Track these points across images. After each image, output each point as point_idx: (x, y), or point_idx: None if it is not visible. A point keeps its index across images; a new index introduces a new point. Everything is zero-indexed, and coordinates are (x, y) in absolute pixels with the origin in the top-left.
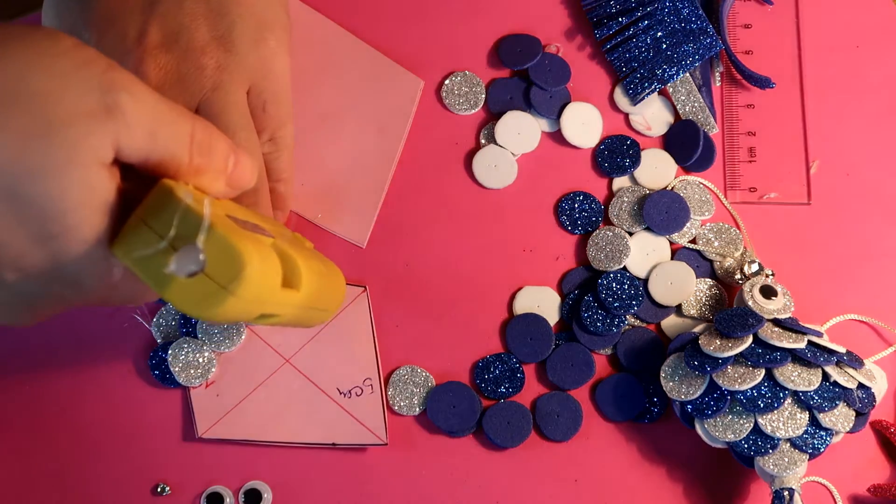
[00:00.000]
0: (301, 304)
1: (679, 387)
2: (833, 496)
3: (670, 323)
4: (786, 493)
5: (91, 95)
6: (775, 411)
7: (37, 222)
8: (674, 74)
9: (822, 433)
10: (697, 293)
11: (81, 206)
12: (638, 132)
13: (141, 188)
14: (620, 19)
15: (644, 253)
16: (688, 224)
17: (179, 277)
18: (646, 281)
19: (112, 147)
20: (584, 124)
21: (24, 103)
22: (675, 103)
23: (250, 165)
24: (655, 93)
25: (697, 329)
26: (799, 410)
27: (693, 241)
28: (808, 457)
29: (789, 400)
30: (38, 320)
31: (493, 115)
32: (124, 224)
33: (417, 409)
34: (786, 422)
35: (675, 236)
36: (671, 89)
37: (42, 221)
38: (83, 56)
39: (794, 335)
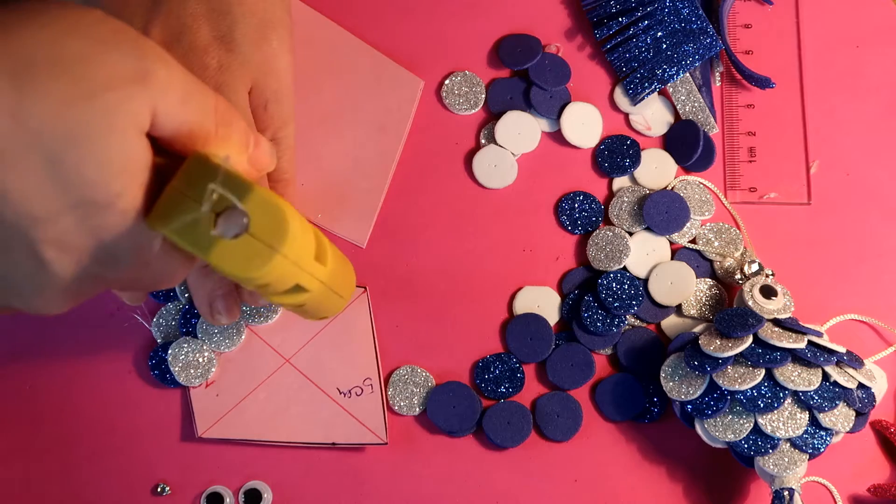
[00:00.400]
0: (327, 280)
1: (679, 387)
2: (833, 496)
3: (670, 323)
4: (786, 493)
5: (128, 61)
6: (775, 411)
7: (79, 190)
8: (674, 74)
9: (822, 433)
10: (697, 293)
11: (123, 174)
12: (638, 132)
13: (168, 165)
14: (620, 19)
15: (644, 253)
16: (688, 224)
17: (225, 240)
18: (646, 281)
19: (150, 113)
20: (584, 124)
21: (64, 67)
22: (675, 103)
23: (268, 146)
24: (655, 93)
25: (697, 329)
26: (799, 410)
27: (693, 241)
28: (808, 457)
29: (789, 400)
30: (71, 305)
31: (493, 115)
32: (158, 197)
33: (417, 409)
34: (786, 422)
35: (675, 236)
36: (671, 89)
37: (84, 189)
38: (115, 25)
39: (794, 335)
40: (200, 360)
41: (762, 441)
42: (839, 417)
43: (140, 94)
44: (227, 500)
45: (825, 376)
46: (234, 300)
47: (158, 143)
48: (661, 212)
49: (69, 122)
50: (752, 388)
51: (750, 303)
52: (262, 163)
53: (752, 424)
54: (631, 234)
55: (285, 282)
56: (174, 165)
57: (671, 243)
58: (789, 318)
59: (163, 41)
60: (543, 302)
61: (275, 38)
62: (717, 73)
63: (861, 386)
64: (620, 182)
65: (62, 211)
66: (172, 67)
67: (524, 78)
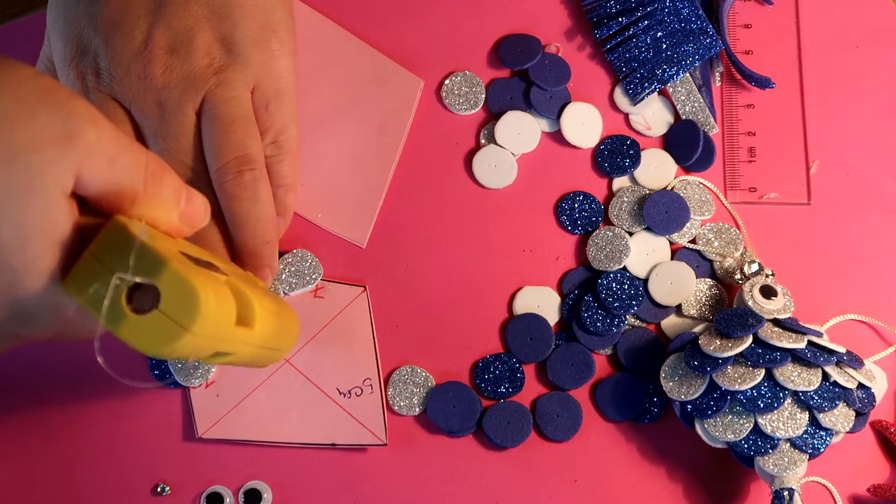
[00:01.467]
0: (255, 342)
1: (679, 387)
2: (833, 496)
3: (670, 323)
4: (786, 493)
5: (55, 122)
6: (775, 411)
7: None
8: (674, 74)
9: (822, 433)
10: (697, 293)
11: (40, 237)
12: (638, 132)
13: (93, 227)
14: (620, 19)
15: (644, 253)
16: (688, 224)
17: (134, 315)
18: (646, 281)
19: (73, 175)
20: (584, 124)
21: None
22: (675, 103)
23: (203, 203)
24: (655, 93)
25: (697, 329)
26: (799, 410)
27: (693, 241)
28: (808, 457)
29: (789, 400)
30: None
31: (493, 115)
32: (76, 261)
33: (417, 409)
34: (786, 422)
35: (675, 236)
36: (671, 89)
37: (0, 251)
38: (45, 84)
39: (794, 335)
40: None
41: (762, 441)
42: (839, 417)
43: (64, 157)
44: (227, 500)
45: (825, 376)
46: None
47: (86, 203)
48: (661, 212)
49: None
50: (752, 388)
51: (750, 303)
52: (195, 219)
53: (752, 424)
54: (631, 234)
55: (202, 353)
56: (99, 226)
57: (671, 243)
58: (789, 318)
59: (166, 44)
60: (543, 302)
61: (275, 41)
62: (717, 73)
63: (861, 386)
64: (620, 182)
65: None
66: (102, 128)
67: (524, 78)
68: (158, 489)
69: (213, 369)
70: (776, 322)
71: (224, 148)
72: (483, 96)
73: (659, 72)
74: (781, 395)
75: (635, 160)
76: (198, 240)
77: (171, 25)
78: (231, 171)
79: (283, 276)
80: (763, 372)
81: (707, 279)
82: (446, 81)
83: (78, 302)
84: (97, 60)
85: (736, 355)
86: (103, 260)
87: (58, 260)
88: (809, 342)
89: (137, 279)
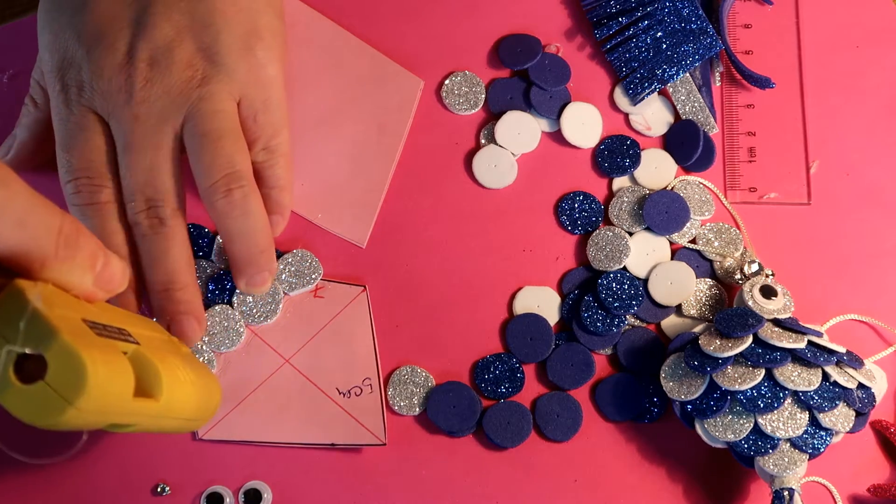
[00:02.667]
0: (161, 414)
1: (679, 387)
2: (833, 496)
3: (670, 323)
4: (786, 493)
5: None
6: (775, 411)
7: None
8: (674, 74)
9: (822, 433)
10: (697, 293)
11: None
12: (638, 132)
13: (2, 286)
14: (620, 19)
15: (644, 253)
16: (688, 224)
17: (20, 385)
18: (646, 281)
19: None
20: (584, 124)
21: None
22: (675, 103)
23: (121, 268)
24: (655, 93)
25: (697, 329)
26: (799, 410)
27: (693, 241)
28: (808, 457)
29: (789, 400)
30: None
31: (493, 115)
32: None
33: (417, 409)
34: (786, 422)
35: (675, 236)
36: (671, 89)
37: None
38: None
39: (794, 335)
40: (200, 360)
41: (762, 441)
42: (839, 417)
43: None
44: (227, 500)
45: (825, 376)
46: (196, 320)
47: None
48: (661, 212)
49: None
50: (752, 388)
51: (750, 303)
52: (112, 284)
53: (752, 424)
54: (631, 234)
55: (92, 425)
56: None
57: (671, 243)
58: (789, 318)
59: (148, 56)
60: (543, 302)
61: (260, 48)
62: (717, 73)
63: (861, 386)
64: (620, 182)
65: None
66: (14, 190)
67: (524, 78)
68: (158, 489)
69: (213, 369)
70: (776, 322)
71: (212, 166)
72: (483, 96)
73: (659, 72)
74: (781, 395)
75: (635, 160)
76: (166, 262)
77: (152, 37)
78: (220, 191)
79: (283, 276)
80: (763, 372)
81: (707, 279)
82: (446, 81)
83: None
84: (81, 73)
85: (736, 355)
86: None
87: None
88: (809, 342)
89: (25, 349)
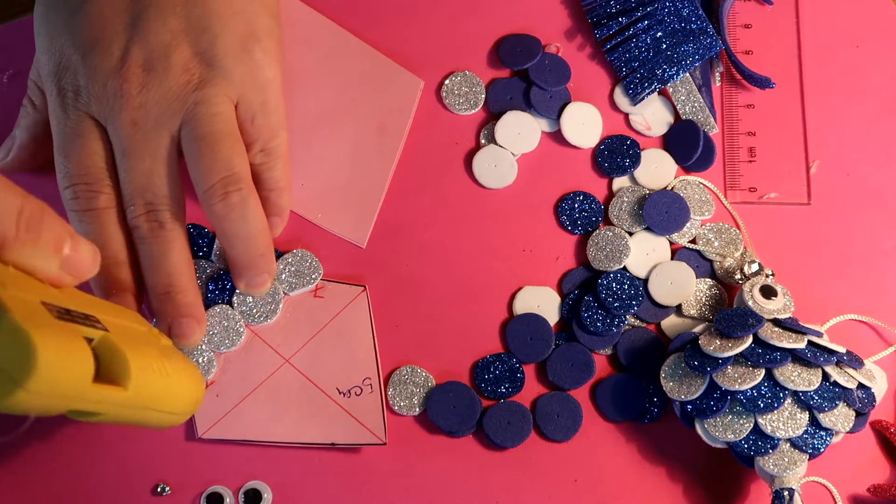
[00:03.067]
0: (131, 403)
1: (679, 387)
2: (833, 496)
3: (670, 323)
4: (786, 493)
5: None
6: (775, 411)
7: None
8: (674, 74)
9: (822, 433)
10: (697, 293)
11: None
12: (638, 132)
13: None
14: (620, 19)
15: (644, 253)
16: (688, 224)
17: None
18: (646, 281)
19: None
20: (584, 124)
21: None
22: (675, 103)
23: (90, 253)
24: (655, 93)
25: (697, 329)
26: (799, 410)
27: (693, 241)
28: (808, 457)
29: (789, 400)
30: None
31: (493, 115)
32: None
33: (417, 409)
34: (786, 422)
35: (675, 236)
36: (671, 89)
37: None
38: None
39: (794, 335)
40: (200, 360)
41: (762, 441)
42: (839, 417)
43: None
44: (227, 500)
45: (825, 376)
46: (196, 321)
47: None
48: (661, 212)
49: None
50: (752, 388)
51: (750, 303)
52: (81, 268)
53: (752, 424)
54: (631, 234)
55: (49, 409)
56: None
57: (671, 243)
58: (789, 318)
59: (143, 61)
60: (543, 302)
61: (258, 50)
62: (717, 73)
63: (861, 386)
64: (620, 182)
65: None
66: None
67: (524, 78)
68: (158, 489)
69: (213, 369)
70: (776, 322)
71: (210, 170)
72: (483, 96)
73: (659, 72)
74: (781, 395)
75: (635, 160)
76: (110, 283)
77: (147, 42)
78: (218, 194)
79: (283, 276)
80: (763, 372)
81: (707, 279)
82: (446, 81)
83: None
84: (77, 77)
85: (736, 355)
86: None
87: None
88: (809, 342)
89: None
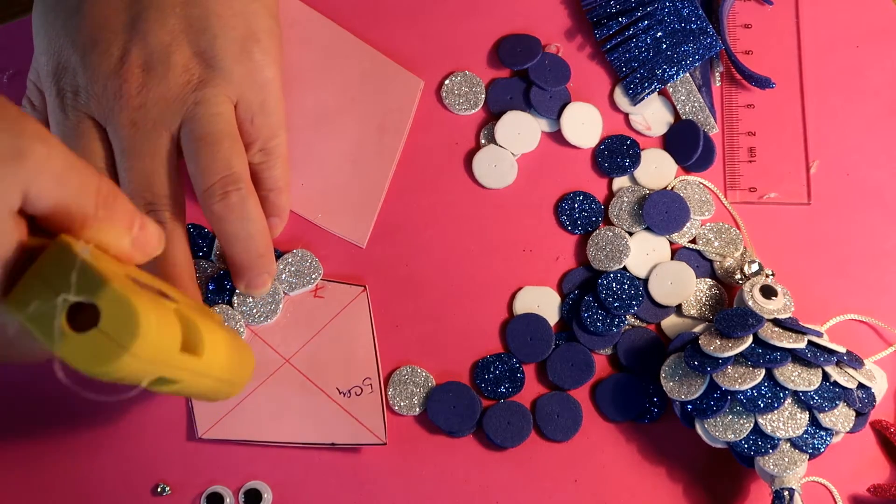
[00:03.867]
0: (203, 371)
1: (679, 387)
2: (833, 496)
3: (670, 323)
4: (786, 493)
5: (2, 140)
6: (775, 411)
7: None
8: (674, 74)
9: (822, 433)
10: (697, 293)
11: None
12: (638, 132)
13: (39, 247)
14: (620, 19)
15: (644, 253)
16: (688, 224)
17: (73, 334)
18: (646, 281)
19: (20, 194)
20: (584, 124)
21: None
22: (675, 103)
23: (156, 231)
24: (655, 93)
25: (697, 329)
26: (799, 410)
27: (693, 241)
28: (808, 457)
29: (789, 400)
30: None
31: (493, 115)
32: (19, 279)
33: (417, 409)
34: (786, 422)
35: (675, 236)
36: (671, 89)
37: None
38: None
39: (794, 335)
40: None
41: (762, 441)
42: (839, 417)
43: (10, 174)
44: (227, 500)
45: (825, 376)
46: None
47: (35, 223)
48: (661, 212)
49: None
50: (752, 388)
51: (750, 303)
52: (149, 247)
53: (752, 424)
54: (631, 234)
55: (143, 376)
56: (46, 246)
57: (671, 243)
58: (789, 318)
59: (143, 61)
60: (543, 302)
61: (257, 51)
62: (717, 73)
63: (861, 386)
64: (620, 182)
65: None
66: (52, 147)
67: (524, 78)
68: (158, 489)
69: None
70: (776, 322)
71: (209, 170)
72: (483, 96)
73: (659, 72)
74: (781, 395)
75: (635, 160)
76: (165, 265)
77: (147, 42)
78: (217, 194)
79: (283, 276)
80: (763, 372)
81: (707, 279)
82: (446, 81)
83: (18, 321)
84: (76, 78)
85: (736, 355)
86: (46, 278)
87: (1, 278)
88: (809, 342)
89: (78, 298)
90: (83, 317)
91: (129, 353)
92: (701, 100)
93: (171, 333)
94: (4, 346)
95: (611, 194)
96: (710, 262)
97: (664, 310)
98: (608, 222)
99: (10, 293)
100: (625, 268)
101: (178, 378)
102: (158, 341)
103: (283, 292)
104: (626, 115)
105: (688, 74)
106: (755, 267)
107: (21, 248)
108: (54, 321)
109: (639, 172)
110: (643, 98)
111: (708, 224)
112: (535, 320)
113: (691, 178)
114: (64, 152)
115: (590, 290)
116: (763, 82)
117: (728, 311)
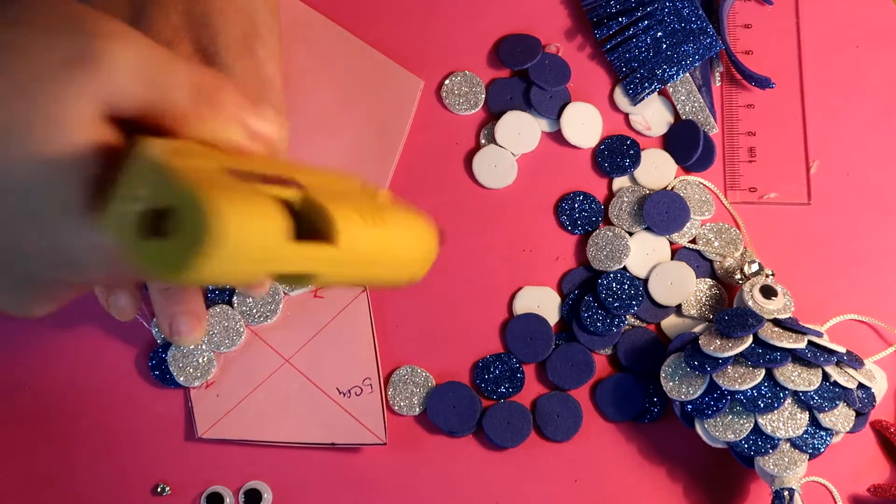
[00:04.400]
0: (345, 259)
1: (679, 387)
2: (833, 496)
3: (670, 323)
4: (786, 493)
5: (74, 44)
6: (775, 411)
7: (20, 196)
8: (674, 74)
9: (822, 433)
10: (697, 293)
11: (67, 174)
12: (638, 132)
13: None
14: (620, 19)
15: (644, 253)
16: (688, 224)
17: (150, 241)
18: (646, 281)
19: (100, 99)
20: (584, 124)
21: None
22: (675, 103)
23: (276, 119)
24: (655, 93)
25: (697, 329)
26: (799, 410)
27: (693, 241)
28: (808, 457)
29: (789, 400)
30: (47, 309)
31: (493, 115)
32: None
33: (417, 409)
34: (786, 422)
35: (675, 236)
36: (671, 89)
37: (25, 195)
38: (68, 10)
39: (794, 335)
40: (200, 360)
41: (762, 441)
42: (839, 417)
43: (85, 80)
44: (227, 500)
45: (825, 376)
46: (197, 319)
47: (134, 125)
48: (661, 212)
49: (1, 121)
50: (752, 388)
51: (750, 303)
52: (268, 137)
53: (752, 424)
54: (631, 234)
55: (252, 275)
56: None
57: (671, 243)
58: (789, 318)
59: None
60: (543, 302)
61: (259, 47)
62: (717, 73)
63: (861, 386)
64: (620, 182)
65: (8, 216)
66: (132, 44)
67: (524, 78)
68: (158, 489)
69: (213, 369)
70: (776, 322)
71: None
72: (483, 96)
73: (659, 72)
74: (781, 395)
75: (635, 160)
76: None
77: (149, 37)
78: None
79: None
80: (763, 372)
81: (707, 279)
82: (446, 81)
83: (108, 234)
84: None
85: (736, 355)
86: (127, 186)
87: (86, 194)
88: (809, 342)
89: (151, 203)
90: (165, 218)
91: (207, 255)
92: (701, 100)
93: (266, 225)
94: (111, 265)
95: (611, 194)
96: (710, 262)
97: (664, 310)
98: (608, 222)
99: (99, 208)
100: (625, 268)
101: (305, 271)
102: (249, 238)
103: (283, 292)
104: (626, 115)
105: (688, 74)
106: (755, 267)
107: (108, 158)
108: (133, 230)
109: (639, 172)
110: (643, 98)
111: (708, 224)
112: (535, 320)
113: (691, 178)
114: (148, 50)
115: (590, 290)
116: (763, 82)
117: (728, 311)
